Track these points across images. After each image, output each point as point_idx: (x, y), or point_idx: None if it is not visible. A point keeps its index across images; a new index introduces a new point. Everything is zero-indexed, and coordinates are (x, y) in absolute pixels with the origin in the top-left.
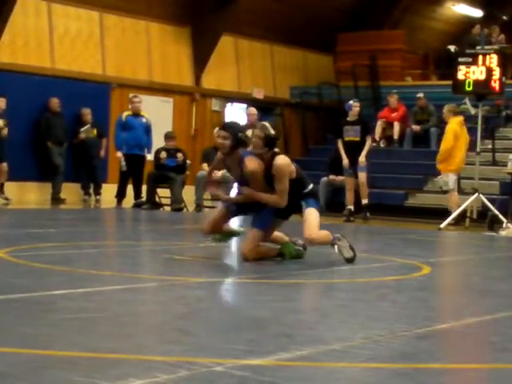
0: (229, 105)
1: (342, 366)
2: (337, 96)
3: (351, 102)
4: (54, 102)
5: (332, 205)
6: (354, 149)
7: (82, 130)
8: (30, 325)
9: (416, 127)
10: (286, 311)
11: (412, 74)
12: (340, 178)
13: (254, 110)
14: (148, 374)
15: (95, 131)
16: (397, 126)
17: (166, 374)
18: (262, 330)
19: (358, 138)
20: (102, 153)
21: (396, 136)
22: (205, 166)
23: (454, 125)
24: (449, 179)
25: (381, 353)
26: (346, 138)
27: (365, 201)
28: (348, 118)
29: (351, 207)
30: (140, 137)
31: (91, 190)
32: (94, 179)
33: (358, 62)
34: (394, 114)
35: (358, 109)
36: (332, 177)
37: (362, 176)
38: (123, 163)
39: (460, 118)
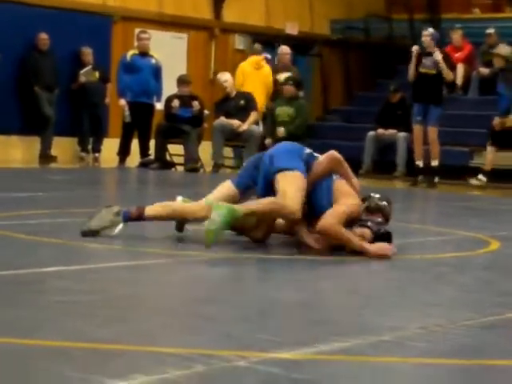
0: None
1: (392, 361)
2: (387, 31)
3: (423, 31)
4: (43, 39)
5: (381, 164)
6: (427, 84)
7: (82, 72)
8: (14, 308)
9: (484, 70)
10: (324, 293)
11: (480, 5)
12: (391, 131)
13: (287, 49)
14: (156, 369)
15: (97, 74)
16: (461, 69)
17: (178, 369)
18: (294, 316)
19: (433, 71)
20: (108, 99)
21: (460, 81)
22: (222, 118)
23: (246, 64)
24: None
25: (439, 346)
26: (421, 70)
27: (435, 162)
28: (426, 50)
29: (420, 163)
30: (148, 81)
31: (90, 146)
32: (97, 132)
33: None
34: (457, 54)
35: (428, 38)
36: (381, 131)
37: (433, 132)
38: (127, 113)
39: (255, 59)
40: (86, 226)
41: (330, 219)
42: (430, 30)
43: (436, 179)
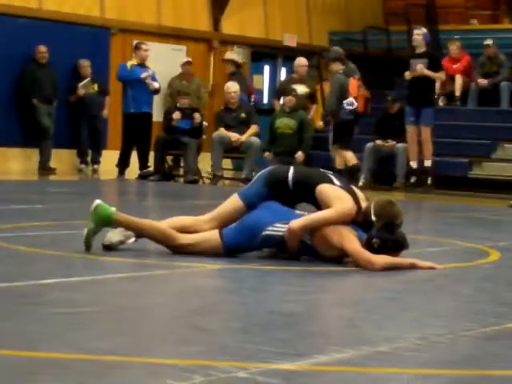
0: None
1: (390, 372)
2: (386, 43)
3: (415, 30)
4: (41, 51)
5: (380, 176)
6: (418, 87)
7: (81, 84)
8: (13, 321)
9: (483, 81)
10: (323, 305)
11: (479, 16)
12: (390, 142)
13: (304, 61)
14: (156, 381)
15: (96, 86)
16: (459, 80)
17: (178, 380)
18: (293, 327)
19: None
20: (106, 112)
21: (458, 92)
22: (222, 130)
23: None
24: None
25: (439, 356)
26: (412, 74)
27: (427, 162)
28: (415, 50)
29: (413, 163)
30: (148, 91)
31: (89, 158)
32: (96, 144)
33: (412, 0)
34: (455, 66)
35: (419, 37)
36: (379, 142)
37: (426, 131)
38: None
39: None
40: (107, 240)
41: (370, 260)
42: (423, 29)
43: (429, 180)
